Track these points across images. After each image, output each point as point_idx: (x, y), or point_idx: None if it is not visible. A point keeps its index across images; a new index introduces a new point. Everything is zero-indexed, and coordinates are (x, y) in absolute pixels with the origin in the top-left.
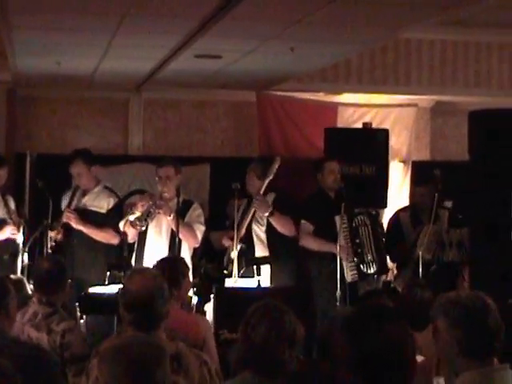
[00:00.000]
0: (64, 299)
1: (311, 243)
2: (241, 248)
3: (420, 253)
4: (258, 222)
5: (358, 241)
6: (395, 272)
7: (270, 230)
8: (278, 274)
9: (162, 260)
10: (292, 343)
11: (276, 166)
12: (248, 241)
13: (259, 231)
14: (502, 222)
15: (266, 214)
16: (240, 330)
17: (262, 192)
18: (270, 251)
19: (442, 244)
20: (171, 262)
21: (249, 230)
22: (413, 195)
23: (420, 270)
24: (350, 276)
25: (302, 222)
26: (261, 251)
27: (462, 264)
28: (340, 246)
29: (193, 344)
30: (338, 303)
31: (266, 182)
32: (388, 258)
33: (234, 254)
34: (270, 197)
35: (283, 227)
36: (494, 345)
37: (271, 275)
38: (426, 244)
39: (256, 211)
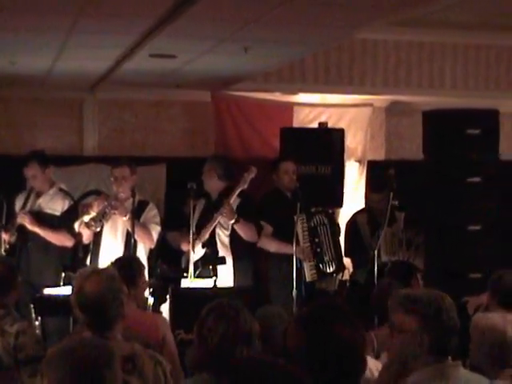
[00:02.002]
0: (16, 298)
1: (269, 245)
2: (205, 253)
3: (384, 259)
4: (222, 226)
5: (317, 240)
6: (351, 271)
7: (234, 235)
8: (242, 276)
9: (118, 259)
10: (249, 342)
11: (251, 176)
12: (211, 245)
13: (223, 236)
14: (454, 221)
15: (232, 222)
16: (195, 332)
17: (232, 201)
18: (234, 255)
19: (399, 244)
20: (127, 261)
21: (212, 234)
22: (369, 201)
23: (375, 268)
24: (309, 276)
25: (262, 223)
26: (224, 255)
27: (415, 263)
28: (299, 246)
29: (153, 343)
30: (294, 303)
31: (238, 191)
32: (347, 259)
33: (192, 256)
34: (235, 202)
35: (246, 234)
36: (453, 342)
37: (234, 278)
38: (384, 247)
39: (222, 219)
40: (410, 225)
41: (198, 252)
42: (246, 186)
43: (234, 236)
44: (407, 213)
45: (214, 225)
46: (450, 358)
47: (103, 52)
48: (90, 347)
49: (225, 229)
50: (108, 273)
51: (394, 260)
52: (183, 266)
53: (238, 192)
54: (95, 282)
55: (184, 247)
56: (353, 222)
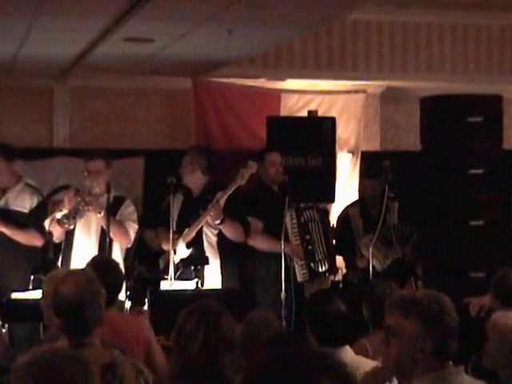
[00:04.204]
0: None
1: (260, 243)
2: (190, 254)
3: (377, 268)
4: (210, 225)
5: (307, 237)
6: (344, 271)
7: (223, 234)
8: (230, 278)
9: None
10: (231, 347)
11: (250, 172)
12: (197, 245)
13: (211, 235)
14: (455, 216)
15: (217, 222)
16: (172, 340)
17: (223, 200)
18: (221, 256)
19: (391, 241)
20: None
21: (198, 233)
22: (362, 188)
23: (370, 267)
24: (300, 276)
25: (250, 219)
26: (211, 256)
27: (414, 261)
28: (289, 243)
29: (141, 347)
30: (283, 305)
31: (233, 188)
32: (339, 256)
33: (172, 257)
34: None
35: (232, 234)
36: (454, 345)
37: (222, 280)
38: (380, 256)
39: (209, 218)
40: (405, 218)
41: (180, 252)
42: (243, 183)
43: (222, 235)
44: (401, 203)
45: (201, 224)
46: (451, 362)
47: (74, 35)
48: (63, 359)
49: (213, 228)
50: (85, 274)
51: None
52: (162, 267)
53: (232, 190)
54: (72, 284)
55: (165, 246)
56: (344, 216)
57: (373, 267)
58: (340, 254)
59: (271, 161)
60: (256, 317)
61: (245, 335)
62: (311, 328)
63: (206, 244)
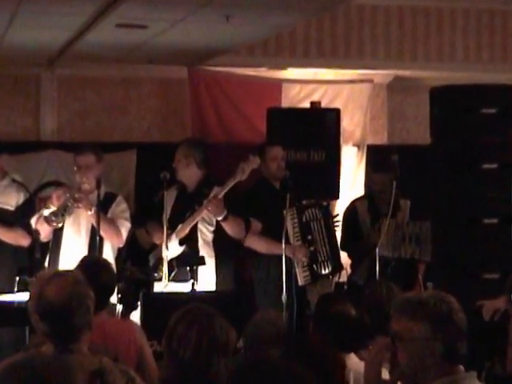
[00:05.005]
0: None
1: (258, 244)
2: (183, 252)
3: (383, 252)
4: (206, 221)
5: (309, 237)
6: (349, 271)
7: (219, 231)
8: (226, 279)
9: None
10: (225, 352)
11: (251, 167)
12: (191, 242)
13: (207, 232)
14: (467, 214)
15: (220, 218)
16: (163, 344)
17: (222, 195)
18: (217, 255)
19: (403, 238)
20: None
21: (193, 230)
22: (371, 183)
23: (377, 267)
24: (302, 278)
25: (251, 219)
26: (206, 254)
27: (420, 262)
28: (290, 244)
29: (133, 353)
30: (284, 308)
31: (232, 184)
32: (344, 253)
33: (165, 253)
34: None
35: (234, 230)
36: (464, 348)
37: (217, 281)
38: (385, 240)
39: (206, 214)
40: (416, 217)
41: (172, 249)
42: (243, 179)
43: (218, 233)
44: (413, 202)
45: (195, 220)
46: (462, 367)
47: (62, 21)
48: (47, 364)
49: (209, 224)
50: (73, 275)
51: (396, 257)
52: (152, 263)
53: (231, 185)
54: (58, 285)
55: (157, 241)
56: (351, 210)
57: (380, 259)
58: (345, 250)
59: (273, 155)
60: (262, 318)
61: (251, 336)
62: (318, 330)
63: (200, 242)
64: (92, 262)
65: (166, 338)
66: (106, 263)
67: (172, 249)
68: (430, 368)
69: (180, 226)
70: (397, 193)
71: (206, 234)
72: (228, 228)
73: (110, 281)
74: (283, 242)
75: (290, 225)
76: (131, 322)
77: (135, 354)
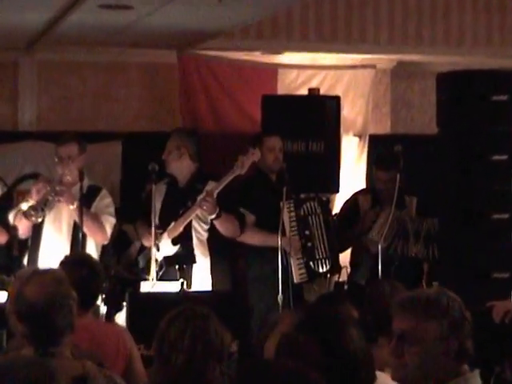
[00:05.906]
0: None
1: (251, 237)
2: (176, 252)
3: (371, 236)
4: (201, 219)
5: (307, 233)
6: (349, 270)
7: (214, 230)
8: (221, 279)
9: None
10: (221, 357)
11: (251, 160)
12: (185, 242)
13: (201, 230)
14: (476, 208)
15: (213, 217)
16: (154, 349)
17: (216, 193)
18: (212, 254)
19: (406, 235)
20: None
21: (187, 228)
22: (375, 180)
23: (379, 266)
24: (297, 276)
25: (242, 211)
26: (200, 254)
27: (425, 261)
28: (286, 238)
29: (120, 358)
30: (280, 309)
31: (229, 179)
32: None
33: (154, 254)
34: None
35: (227, 230)
36: (472, 347)
37: (212, 281)
38: (382, 228)
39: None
40: (422, 213)
41: (164, 249)
42: (242, 173)
43: (213, 231)
44: (420, 199)
45: (190, 218)
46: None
47: (42, 0)
48: (28, 368)
49: (203, 222)
50: (54, 274)
51: (403, 255)
52: (142, 265)
53: (229, 180)
54: (38, 284)
55: (146, 242)
56: (352, 202)
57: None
58: (344, 246)
59: (270, 146)
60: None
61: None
62: None
63: (195, 241)
64: (75, 258)
65: (156, 343)
66: (91, 260)
67: (164, 249)
68: (440, 368)
69: (172, 225)
70: (400, 186)
71: (200, 232)
72: (221, 227)
73: (96, 279)
74: (279, 236)
75: (287, 218)
76: (117, 324)
77: (123, 359)
